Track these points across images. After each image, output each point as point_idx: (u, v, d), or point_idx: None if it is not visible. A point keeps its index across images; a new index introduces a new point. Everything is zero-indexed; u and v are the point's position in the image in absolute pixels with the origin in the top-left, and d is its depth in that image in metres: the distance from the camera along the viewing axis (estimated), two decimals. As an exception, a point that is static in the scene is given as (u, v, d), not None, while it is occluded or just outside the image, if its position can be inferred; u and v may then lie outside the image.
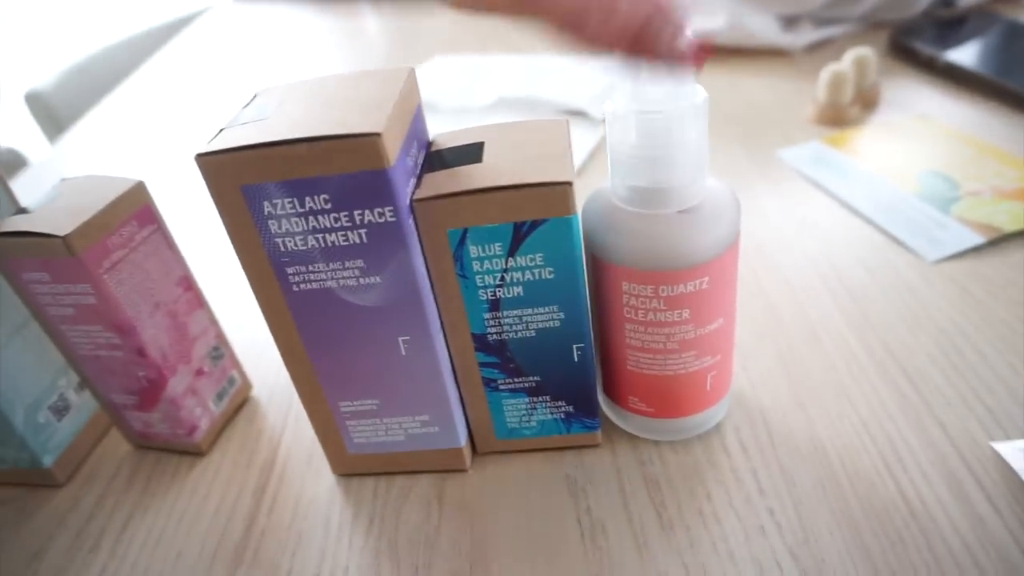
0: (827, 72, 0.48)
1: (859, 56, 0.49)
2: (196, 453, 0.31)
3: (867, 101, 0.50)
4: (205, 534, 0.28)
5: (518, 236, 0.23)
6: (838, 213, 0.41)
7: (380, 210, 0.22)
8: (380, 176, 0.21)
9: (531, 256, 0.23)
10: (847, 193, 0.42)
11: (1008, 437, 0.27)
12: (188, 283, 0.30)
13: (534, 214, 0.23)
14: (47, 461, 0.30)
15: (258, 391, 0.35)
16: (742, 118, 0.53)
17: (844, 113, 0.48)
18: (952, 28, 0.58)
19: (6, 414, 0.29)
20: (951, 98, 0.51)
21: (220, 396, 0.32)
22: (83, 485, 0.31)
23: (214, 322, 0.32)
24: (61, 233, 0.25)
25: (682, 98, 0.22)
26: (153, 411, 0.30)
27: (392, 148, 0.21)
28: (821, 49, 0.62)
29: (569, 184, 0.22)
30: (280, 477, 0.30)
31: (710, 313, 0.25)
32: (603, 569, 0.24)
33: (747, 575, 0.23)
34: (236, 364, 0.33)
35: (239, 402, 0.34)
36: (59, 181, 0.29)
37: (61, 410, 0.31)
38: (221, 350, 0.32)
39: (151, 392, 0.29)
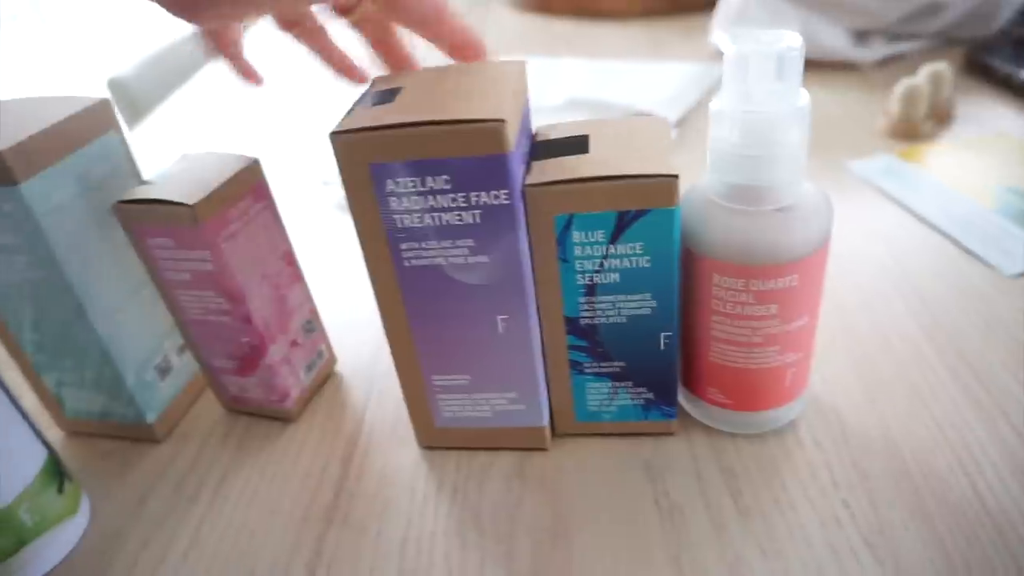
0: (902, 86, 0.48)
1: (935, 71, 0.50)
2: (285, 419, 0.33)
3: (941, 116, 0.50)
4: (297, 494, 0.30)
5: (621, 224, 0.24)
6: (910, 224, 0.41)
7: (496, 193, 0.23)
8: (500, 160, 0.23)
9: (631, 244, 0.25)
10: (920, 205, 0.42)
11: (1086, 448, 0.27)
12: (290, 258, 0.32)
13: (638, 204, 0.24)
14: (150, 417, 0.32)
15: (341, 367, 0.37)
16: (813, 129, 0.53)
17: (917, 128, 0.49)
18: (1028, 48, 0.58)
19: (120, 370, 0.31)
20: (1026, 117, 0.51)
21: (310, 367, 0.34)
22: (180, 442, 0.33)
23: (309, 297, 0.34)
24: (189, 202, 0.27)
25: (787, 100, 0.23)
26: (251, 376, 0.32)
27: (512, 134, 0.23)
28: (892, 64, 0.62)
29: (675, 177, 0.23)
30: (366, 446, 0.32)
31: (797, 310, 0.26)
32: (681, 549, 0.25)
33: (824, 561, 0.24)
34: (325, 338, 0.35)
35: (325, 375, 0.35)
36: (180, 156, 0.31)
37: (164, 371, 0.33)
38: (313, 324, 0.34)
39: (251, 358, 0.31)
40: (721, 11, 0.68)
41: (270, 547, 0.28)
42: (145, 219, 0.28)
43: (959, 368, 0.31)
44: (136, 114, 0.84)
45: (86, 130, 0.29)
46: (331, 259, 0.46)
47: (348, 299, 0.42)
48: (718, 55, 0.69)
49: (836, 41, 0.61)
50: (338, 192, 0.53)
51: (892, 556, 0.24)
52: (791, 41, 0.23)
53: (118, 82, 0.83)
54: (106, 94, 0.83)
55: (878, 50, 0.62)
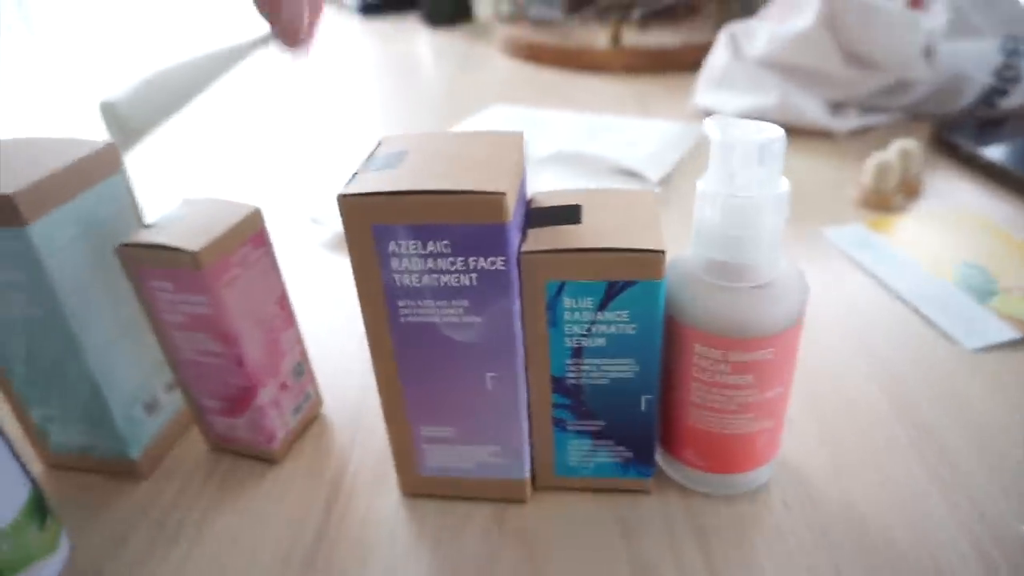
0: (874, 160, 0.51)
1: (904, 148, 0.52)
2: (270, 460, 0.34)
3: (910, 190, 0.53)
4: (278, 538, 0.30)
5: (610, 293, 0.26)
6: (879, 295, 0.43)
7: (493, 259, 0.24)
8: (499, 230, 0.24)
9: (618, 312, 0.26)
10: (888, 276, 0.44)
11: (1037, 523, 0.29)
12: (284, 302, 0.33)
13: (627, 275, 0.25)
14: (134, 453, 0.33)
15: (327, 409, 0.37)
16: (792, 194, 0.56)
17: (888, 200, 0.51)
18: (993, 127, 0.61)
19: (108, 405, 0.31)
20: (989, 193, 0.54)
21: (297, 409, 0.34)
22: (163, 479, 0.33)
23: (300, 340, 0.34)
24: (193, 248, 0.28)
25: (768, 186, 0.25)
26: (239, 417, 0.32)
27: (511, 205, 0.24)
28: (865, 135, 0.66)
29: (663, 252, 0.25)
30: (349, 491, 0.32)
31: (771, 381, 0.27)
32: (654, 607, 0.26)
33: (790, 626, 0.25)
34: (313, 380, 0.36)
35: (311, 417, 0.36)
36: (182, 201, 0.32)
37: (151, 407, 0.33)
38: (303, 367, 0.35)
39: (241, 399, 0.32)
40: (705, 75, 0.71)
41: (250, 591, 0.28)
42: (147, 262, 0.29)
43: (922, 442, 0.33)
44: (126, 139, 0.84)
45: (93, 172, 0.29)
46: (320, 298, 0.46)
47: (336, 341, 0.42)
48: (700, 115, 0.72)
49: (813, 110, 0.64)
50: (328, 231, 0.54)
51: (854, 622, 0.25)
52: (773, 133, 0.24)
53: (109, 105, 0.84)
54: (97, 116, 0.84)
55: (852, 120, 0.65)
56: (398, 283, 0.25)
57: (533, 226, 0.27)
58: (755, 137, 0.24)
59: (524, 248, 0.25)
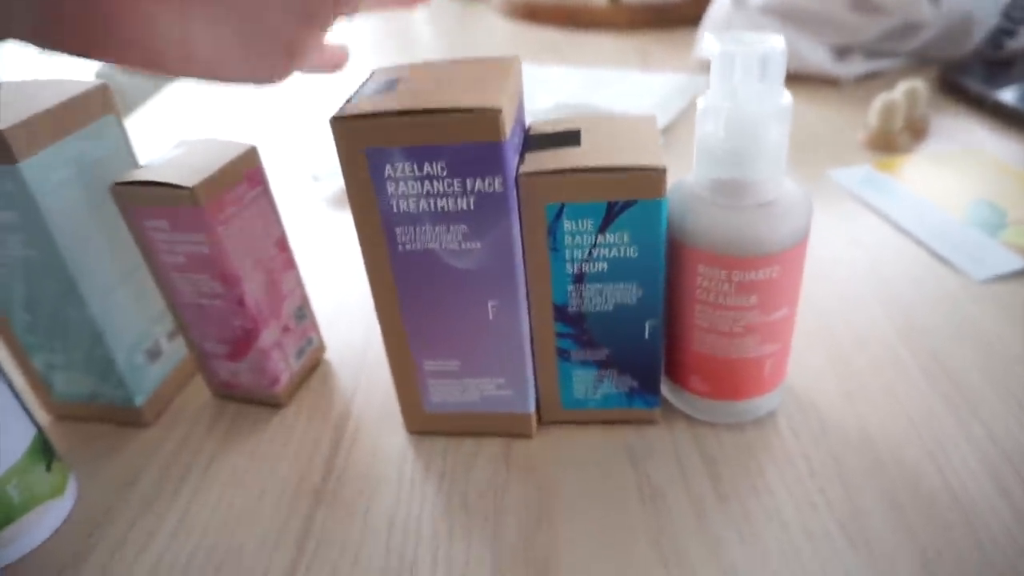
0: (880, 100, 0.50)
1: (911, 87, 0.51)
2: (275, 404, 0.34)
3: (916, 131, 0.52)
4: (285, 475, 0.30)
5: (610, 214, 0.25)
6: (886, 232, 0.43)
7: (490, 180, 0.24)
8: (495, 148, 0.23)
9: (619, 234, 0.26)
10: (896, 214, 0.44)
11: (1049, 441, 0.28)
12: (284, 244, 0.33)
13: (628, 195, 0.25)
14: (139, 401, 0.33)
15: (329, 355, 0.37)
16: (794, 139, 0.55)
17: (894, 140, 0.50)
18: (1001, 68, 0.60)
19: (111, 352, 0.31)
20: (998, 134, 0.53)
21: (300, 353, 0.34)
22: (168, 426, 0.33)
23: (300, 284, 0.34)
24: (189, 185, 0.27)
25: (770, 99, 0.24)
26: (242, 361, 0.32)
27: (507, 124, 0.23)
28: (870, 81, 0.64)
29: (664, 169, 0.24)
30: (355, 431, 0.32)
31: (776, 301, 0.27)
32: (662, 531, 0.26)
33: (800, 544, 0.25)
34: (315, 326, 0.36)
35: (314, 362, 0.36)
36: (178, 142, 0.31)
37: (154, 355, 0.33)
38: (304, 311, 0.34)
39: (244, 342, 0.32)
40: (707, 25, 0.69)
41: (259, 525, 0.28)
42: (142, 201, 0.28)
43: (932, 368, 0.32)
44: (124, 108, 0.84)
45: (85, 112, 0.29)
46: (321, 252, 0.46)
47: (338, 291, 0.42)
48: (703, 67, 0.71)
49: (817, 56, 0.63)
50: (328, 187, 0.54)
51: (865, 541, 0.25)
52: (774, 43, 0.24)
53: (105, 75, 0.83)
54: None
55: (857, 66, 0.63)
56: (395, 209, 0.25)
57: (531, 150, 0.26)
58: (756, 48, 0.24)
59: (523, 170, 0.25)
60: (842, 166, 0.50)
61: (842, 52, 0.65)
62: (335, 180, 0.53)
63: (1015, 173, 0.47)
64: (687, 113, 0.61)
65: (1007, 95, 0.55)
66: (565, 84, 0.67)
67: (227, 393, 0.34)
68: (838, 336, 0.35)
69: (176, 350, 0.35)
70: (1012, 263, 0.38)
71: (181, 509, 0.29)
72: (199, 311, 0.31)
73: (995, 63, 0.61)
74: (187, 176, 0.28)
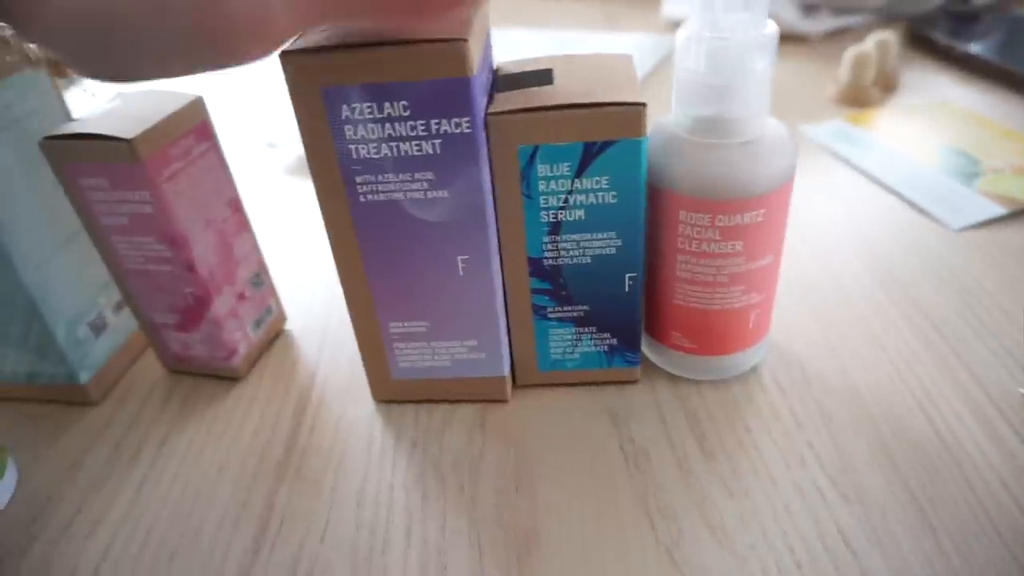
0: (851, 53, 0.49)
1: (882, 39, 0.50)
2: (232, 378, 0.32)
3: (887, 84, 0.51)
4: (246, 451, 0.28)
5: (587, 156, 0.23)
6: (862, 184, 0.42)
7: (457, 120, 0.22)
8: (461, 84, 0.21)
9: (597, 179, 0.24)
10: (870, 166, 0.43)
11: (1036, 385, 0.28)
12: (236, 205, 0.30)
13: (606, 135, 0.23)
14: (84, 377, 0.30)
15: (290, 326, 0.35)
16: (763, 96, 0.54)
17: (866, 93, 0.49)
18: (966, 22, 0.60)
19: (49, 326, 0.29)
20: (967, 85, 0.52)
21: (258, 323, 0.32)
22: (117, 404, 0.31)
23: (256, 249, 0.32)
24: (127, 136, 0.25)
25: (754, 29, 0.23)
26: (195, 332, 0.30)
27: (474, 58, 0.22)
28: (839, 37, 0.64)
29: (643, 105, 0.23)
30: (319, 403, 0.30)
31: (762, 248, 0.25)
32: (648, 491, 0.25)
33: (790, 499, 0.24)
34: (274, 294, 0.33)
35: (274, 333, 0.34)
36: (115, 95, 0.29)
37: (99, 328, 0.31)
38: (262, 277, 0.32)
39: (195, 311, 0.29)
40: (673, -17, 0.68)
41: (218, 504, 0.26)
42: (77, 157, 0.26)
43: (913, 315, 0.32)
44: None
45: (6, 63, 0.26)
46: (279, 220, 0.44)
47: (298, 260, 0.40)
48: (670, 26, 0.69)
49: (785, 14, 0.62)
50: (285, 155, 0.51)
51: (857, 492, 0.24)
52: (759, -33, 0.22)
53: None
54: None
55: (825, 23, 0.63)
56: (354, 155, 0.23)
57: (500, 91, 0.25)
58: (738, -28, 0.22)
59: (491, 110, 0.23)
60: (813, 122, 0.49)
61: (809, 9, 0.64)
62: (292, 148, 0.50)
63: (986, 122, 0.46)
64: (657, 72, 0.59)
65: (974, 47, 0.54)
66: (531, 48, 0.65)
67: (181, 367, 0.32)
68: (818, 288, 0.34)
69: (124, 323, 0.32)
70: (989, 210, 0.37)
71: (132, 490, 0.27)
72: (146, 278, 0.29)
73: (961, 17, 0.61)
74: (126, 128, 0.26)
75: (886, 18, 0.66)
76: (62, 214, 0.29)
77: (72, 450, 0.29)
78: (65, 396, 0.31)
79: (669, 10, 0.67)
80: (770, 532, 0.23)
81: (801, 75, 0.57)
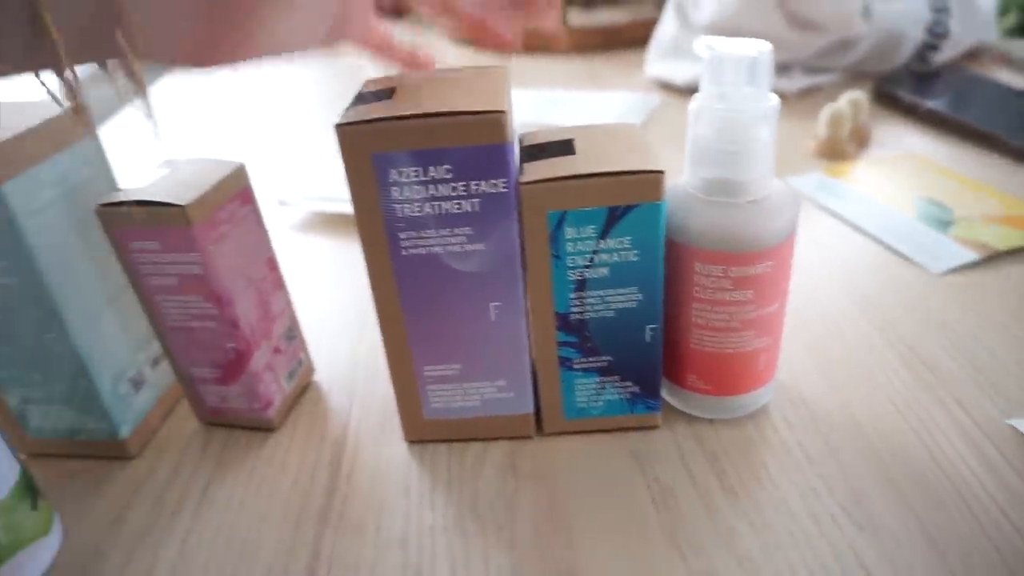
0: (827, 110, 0.53)
1: (854, 98, 0.54)
2: (268, 428, 0.33)
3: (861, 138, 0.55)
4: (287, 499, 0.29)
5: (611, 219, 0.26)
6: (846, 233, 0.45)
7: (494, 181, 0.24)
8: (499, 150, 0.24)
9: (620, 239, 0.26)
10: (853, 216, 0.46)
11: (1022, 416, 0.30)
12: (273, 263, 0.32)
13: (628, 199, 0.25)
14: (124, 432, 0.31)
15: (318, 376, 0.36)
16: (747, 150, 0.57)
17: (843, 148, 0.53)
18: (928, 79, 0.64)
19: (95, 383, 0.30)
20: (931, 139, 0.56)
21: (291, 375, 0.34)
22: (155, 457, 0.32)
23: (289, 304, 0.34)
24: (182, 203, 0.27)
25: (759, 100, 0.25)
26: (234, 384, 0.31)
27: (509, 127, 0.24)
28: (812, 95, 0.68)
29: (662, 172, 0.25)
30: (354, 448, 0.32)
31: (771, 295, 0.28)
32: (677, 528, 0.27)
33: (808, 529, 0.26)
34: (304, 347, 0.35)
35: (305, 384, 0.35)
36: (164, 161, 0.31)
37: (139, 383, 0.32)
38: (294, 331, 0.34)
39: (236, 364, 0.31)
40: (654, 45, 0.72)
41: (265, 552, 0.27)
42: (130, 222, 0.28)
43: (904, 352, 0.34)
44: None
45: (65, 134, 0.28)
46: (294, 276, 0.45)
47: (316, 312, 0.41)
48: (653, 85, 0.73)
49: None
50: (295, 212, 0.53)
51: (869, 520, 0.26)
52: (762, 47, 0.25)
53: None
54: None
55: (798, 81, 0.67)
56: (399, 213, 0.25)
57: (527, 160, 0.27)
58: (744, 52, 0.25)
59: (523, 179, 0.25)
60: (796, 174, 0.53)
61: (783, 68, 0.69)
62: (302, 206, 0.52)
63: (951, 173, 0.50)
64: (644, 128, 0.63)
65: (936, 103, 0.59)
66: (521, 106, 0.68)
67: (216, 420, 0.33)
68: (814, 330, 0.36)
69: (159, 378, 0.34)
70: (964, 256, 0.40)
71: (178, 541, 0.28)
72: (188, 335, 0.30)
73: (923, 75, 0.66)
74: (179, 195, 0.27)
75: (854, 76, 0.70)
76: (109, 275, 0.30)
77: (115, 504, 0.30)
78: (104, 451, 0.32)
79: (651, 69, 0.72)
80: (794, 562, 0.25)
81: (780, 131, 0.60)
